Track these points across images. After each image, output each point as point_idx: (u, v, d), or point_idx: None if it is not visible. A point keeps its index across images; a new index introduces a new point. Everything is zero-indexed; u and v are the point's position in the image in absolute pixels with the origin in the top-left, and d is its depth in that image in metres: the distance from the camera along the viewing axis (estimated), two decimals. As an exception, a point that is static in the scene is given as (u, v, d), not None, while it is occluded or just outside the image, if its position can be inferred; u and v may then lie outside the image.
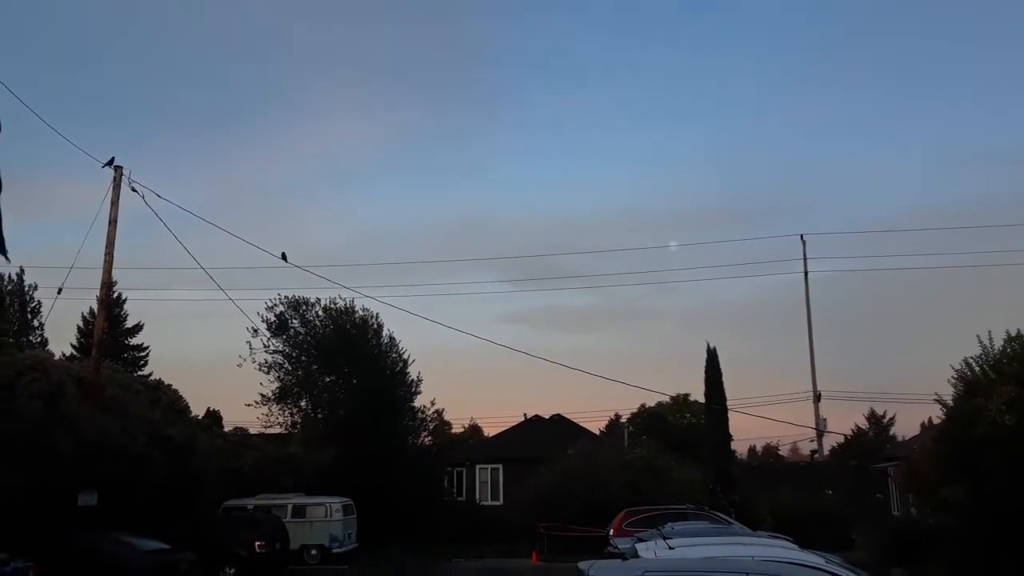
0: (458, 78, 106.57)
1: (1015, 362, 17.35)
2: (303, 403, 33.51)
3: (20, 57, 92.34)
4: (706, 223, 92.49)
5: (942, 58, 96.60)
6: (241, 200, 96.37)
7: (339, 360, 32.85)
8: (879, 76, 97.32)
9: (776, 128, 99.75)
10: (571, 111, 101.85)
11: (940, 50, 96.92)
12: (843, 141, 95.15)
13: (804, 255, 35.60)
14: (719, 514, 23.61)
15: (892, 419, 50.00)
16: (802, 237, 35.79)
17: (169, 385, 26.57)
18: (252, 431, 35.81)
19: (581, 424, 41.64)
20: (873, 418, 50.47)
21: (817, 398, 33.82)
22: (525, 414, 44.31)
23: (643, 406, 51.98)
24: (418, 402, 34.36)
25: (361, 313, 33.79)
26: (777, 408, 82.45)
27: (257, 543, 21.18)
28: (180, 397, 26.18)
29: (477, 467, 37.64)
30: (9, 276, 37.79)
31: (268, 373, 32.88)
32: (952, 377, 18.76)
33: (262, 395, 32.71)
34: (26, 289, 38.76)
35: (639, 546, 9.76)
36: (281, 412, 33.07)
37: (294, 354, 33.47)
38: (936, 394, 19.06)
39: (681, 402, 52.78)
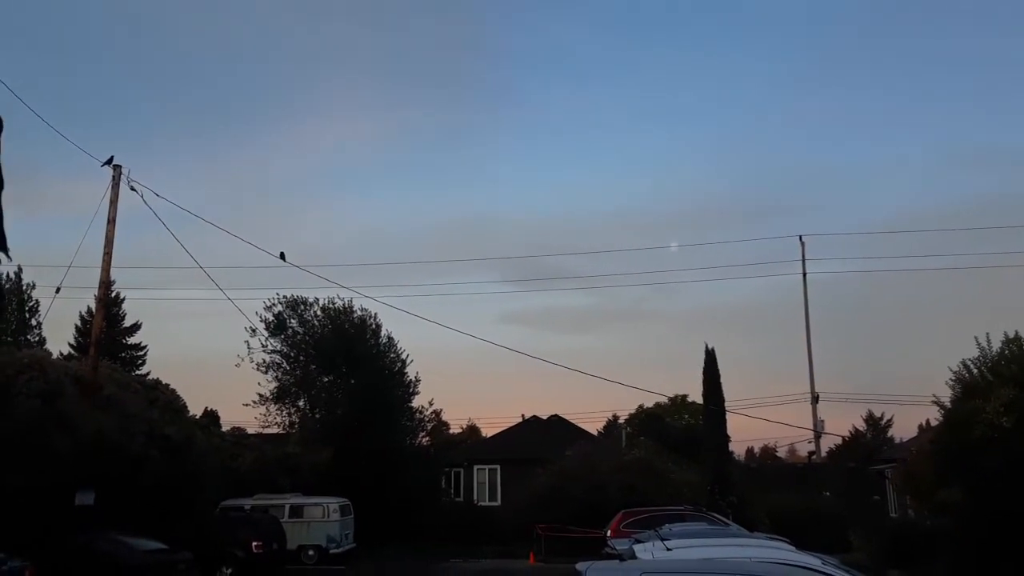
0: (458, 78, 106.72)
1: (1013, 364, 17.38)
2: (301, 403, 33.49)
3: (20, 56, 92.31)
4: (705, 224, 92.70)
5: (942, 58, 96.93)
6: (240, 200, 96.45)
7: (337, 360, 32.82)
8: (879, 76, 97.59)
9: (776, 128, 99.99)
10: (571, 111, 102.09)
11: (940, 50, 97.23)
12: (843, 141, 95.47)
13: (803, 256, 35.58)
14: (716, 515, 23.57)
15: (890, 421, 49.95)
16: (801, 238, 35.75)
17: (167, 384, 26.53)
18: (250, 431, 35.86)
19: (579, 425, 41.78)
20: (871, 420, 50.40)
21: (815, 399, 33.79)
22: (523, 415, 44.55)
23: (641, 407, 52.17)
24: (416, 402, 34.37)
25: (359, 313, 33.82)
26: (775, 409, 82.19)
27: (254, 543, 21.17)
28: (178, 396, 26.13)
29: (475, 468, 37.61)
30: (7, 274, 37.71)
31: (266, 373, 32.94)
32: (950, 379, 18.83)
33: (260, 395, 32.77)
34: (24, 288, 38.66)
35: (636, 547, 9.77)
36: (279, 412, 33.09)
37: (292, 354, 33.46)
38: (934, 396, 19.14)
39: (679, 403, 52.78)
